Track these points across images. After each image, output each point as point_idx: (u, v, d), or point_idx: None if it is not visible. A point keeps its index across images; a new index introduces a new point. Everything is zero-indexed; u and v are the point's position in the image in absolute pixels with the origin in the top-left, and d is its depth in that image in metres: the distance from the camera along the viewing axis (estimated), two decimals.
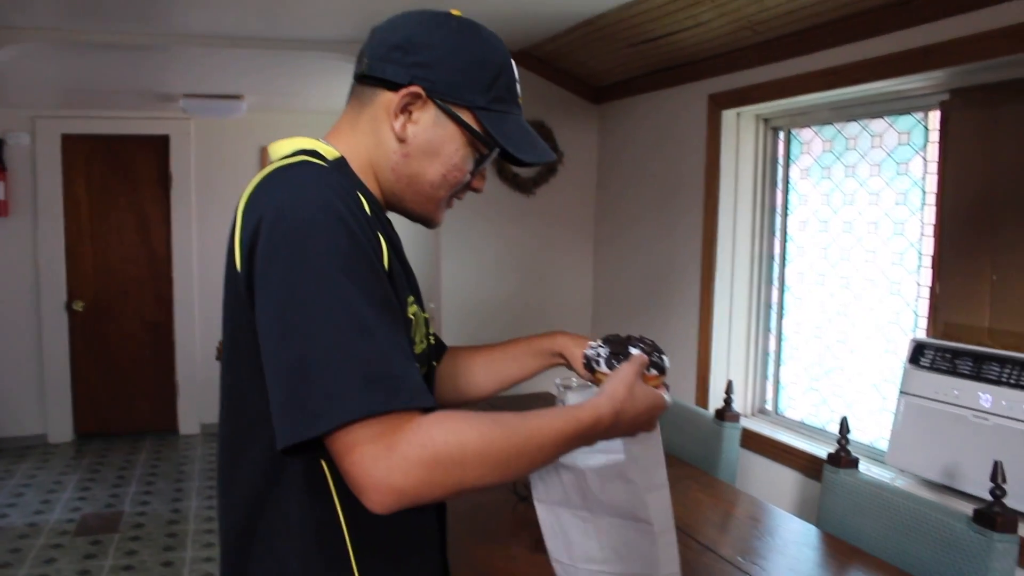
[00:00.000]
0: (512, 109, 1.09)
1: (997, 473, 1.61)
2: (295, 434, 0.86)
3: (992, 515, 1.59)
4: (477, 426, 0.89)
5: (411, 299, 1.08)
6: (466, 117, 1.05)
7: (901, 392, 2.13)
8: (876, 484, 1.87)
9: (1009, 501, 1.61)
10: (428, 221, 1.15)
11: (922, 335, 2.23)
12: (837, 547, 1.79)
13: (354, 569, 1.01)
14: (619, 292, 3.61)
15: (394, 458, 0.84)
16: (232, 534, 1.05)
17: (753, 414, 2.94)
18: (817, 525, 1.97)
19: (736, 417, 2.43)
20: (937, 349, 2.08)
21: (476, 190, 1.15)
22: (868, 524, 1.85)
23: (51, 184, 5.21)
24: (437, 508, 1.20)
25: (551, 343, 1.31)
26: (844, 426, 1.98)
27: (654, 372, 1.12)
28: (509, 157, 1.09)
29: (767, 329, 2.94)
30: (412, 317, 1.07)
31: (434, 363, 1.23)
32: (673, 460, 2.40)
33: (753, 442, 2.72)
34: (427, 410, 0.90)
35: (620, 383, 1.04)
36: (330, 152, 1.06)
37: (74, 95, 4.79)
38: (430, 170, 1.07)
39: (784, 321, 2.87)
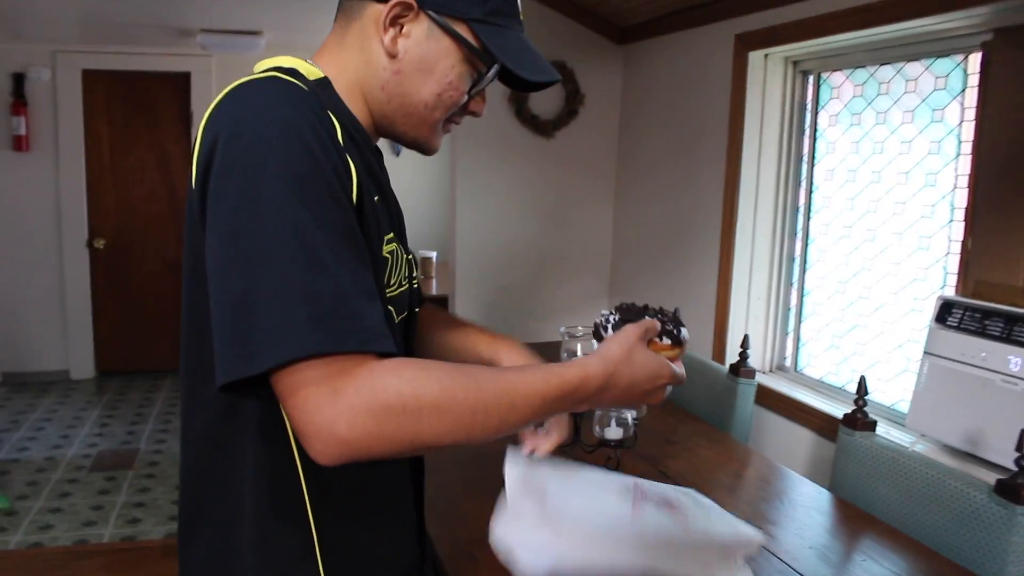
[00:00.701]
0: (512, 24, 1.00)
1: (1023, 442, 1.52)
2: (233, 371, 0.78)
3: (1016, 486, 1.49)
4: (439, 376, 0.81)
5: (390, 236, 1.00)
6: (462, 30, 0.96)
7: (925, 352, 2.03)
8: (893, 449, 1.78)
9: None
10: (423, 147, 1.06)
11: (951, 293, 2.11)
12: (849, 513, 1.71)
13: (310, 522, 0.96)
14: (639, 239, 3.50)
15: (339, 405, 0.76)
16: (190, 474, 1.00)
17: (771, 371, 2.85)
18: (830, 489, 1.89)
19: (752, 373, 2.34)
20: (966, 308, 1.96)
21: (474, 114, 1.05)
22: (883, 490, 1.77)
23: (72, 120, 5.17)
24: (412, 462, 1.14)
25: (491, 351, 1.21)
26: (862, 386, 1.88)
27: (667, 342, 1.00)
28: (511, 77, 1.00)
29: (789, 283, 2.82)
30: (388, 256, 0.99)
31: (416, 309, 1.15)
32: (684, 416, 2.33)
33: (769, 399, 2.63)
34: (386, 356, 0.81)
35: (616, 343, 0.93)
36: (312, 72, 0.97)
37: (94, 28, 4.71)
38: (423, 89, 0.98)
39: (807, 275, 2.76)
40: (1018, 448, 1.52)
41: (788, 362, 2.80)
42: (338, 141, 0.90)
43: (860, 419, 1.86)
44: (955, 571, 1.47)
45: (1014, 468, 1.52)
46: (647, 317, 1.01)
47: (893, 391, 2.33)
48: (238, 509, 0.96)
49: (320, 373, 0.77)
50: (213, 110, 0.90)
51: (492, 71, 0.98)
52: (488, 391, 0.84)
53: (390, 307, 0.99)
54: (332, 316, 0.79)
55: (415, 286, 1.13)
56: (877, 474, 1.80)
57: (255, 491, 0.95)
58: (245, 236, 0.80)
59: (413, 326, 1.14)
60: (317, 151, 0.84)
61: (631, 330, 0.96)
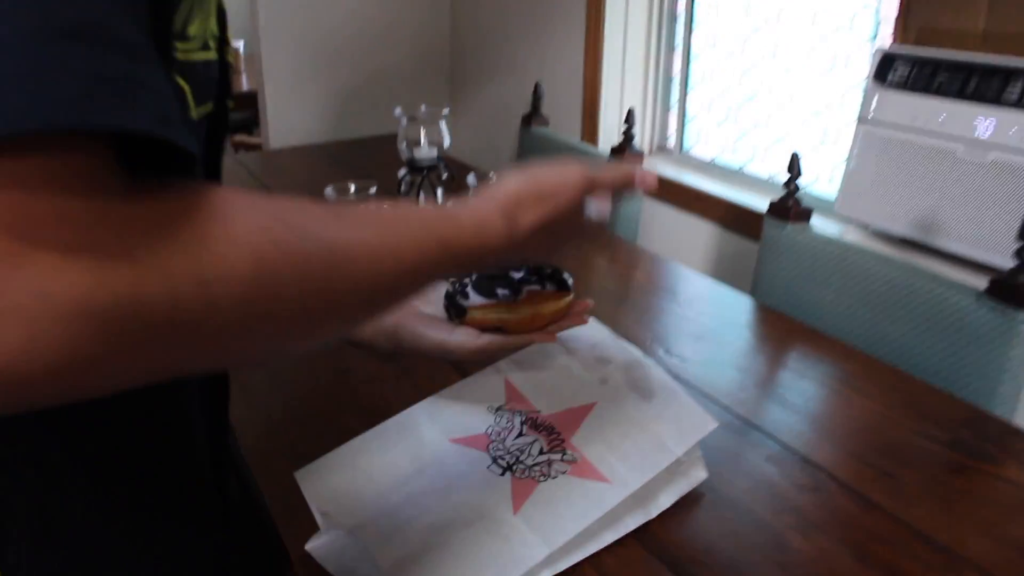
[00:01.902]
0: None
1: None
2: None
3: (1017, 287, 1.13)
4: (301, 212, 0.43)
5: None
6: None
7: (859, 120, 1.61)
8: (843, 245, 1.38)
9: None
10: None
11: (887, 44, 1.69)
12: (784, 327, 1.32)
13: None
14: (484, 17, 2.87)
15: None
16: None
17: (651, 152, 2.41)
18: (752, 295, 1.50)
19: (639, 158, 1.88)
20: (915, 61, 1.54)
21: None
22: (828, 298, 1.39)
23: None
24: (205, 400, 0.64)
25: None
26: (794, 165, 1.45)
27: (550, 288, 0.80)
28: None
29: (671, 46, 2.33)
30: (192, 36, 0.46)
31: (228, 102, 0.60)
32: None
33: (657, 189, 2.20)
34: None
35: (508, 178, 0.65)
36: None
37: None
38: None
39: (694, 35, 2.27)
40: (1021, 236, 1.14)
41: (672, 142, 2.36)
42: None
43: (794, 207, 1.45)
44: (930, 394, 1.12)
45: (999, 263, 1.16)
46: (512, 273, 0.79)
47: (809, 171, 1.94)
48: None
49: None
50: None
51: None
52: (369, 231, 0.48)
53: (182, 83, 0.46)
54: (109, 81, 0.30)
55: (231, 107, 0.61)
56: (818, 278, 1.41)
57: None
58: None
59: (221, 133, 0.60)
60: None
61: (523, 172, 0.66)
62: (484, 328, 0.79)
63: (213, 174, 0.60)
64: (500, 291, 0.77)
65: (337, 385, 1.11)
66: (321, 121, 2.92)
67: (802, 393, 1.12)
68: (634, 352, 0.92)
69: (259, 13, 2.72)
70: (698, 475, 0.88)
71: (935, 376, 1.21)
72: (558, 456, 0.83)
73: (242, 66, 4.08)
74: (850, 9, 1.79)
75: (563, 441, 0.84)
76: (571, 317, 0.83)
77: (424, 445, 0.82)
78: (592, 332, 0.94)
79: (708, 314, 1.37)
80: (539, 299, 0.79)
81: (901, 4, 1.65)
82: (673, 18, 2.30)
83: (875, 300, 1.30)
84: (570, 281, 0.81)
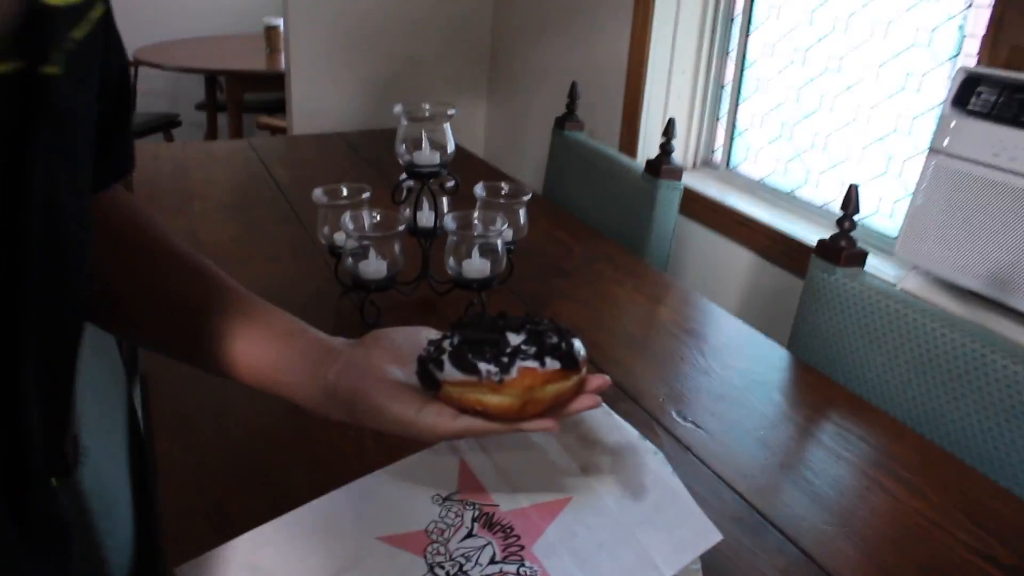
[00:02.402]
0: None
1: None
2: None
3: None
4: None
5: None
6: None
7: (931, 149, 1.40)
8: (902, 300, 1.17)
9: None
10: None
11: (971, 63, 1.47)
12: (822, 391, 1.13)
13: None
14: (527, 8, 2.69)
15: None
16: None
17: (695, 166, 2.21)
18: (789, 347, 1.30)
19: (677, 173, 1.68)
20: (1004, 86, 1.32)
21: None
22: (878, 361, 1.19)
23: None
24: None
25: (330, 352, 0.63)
26: (851, 200, 1.24)
27: (553, 366, 0.57)
28: None
29: (725, 50, 2.12)
30: None
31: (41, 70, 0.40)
32: (582, 231, 1.67)
33: (695, 207, 2.00)
34: None
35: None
36: None
37: None
38: None
39: (750, 39, 2.06)
40: None
41: (718, 156, 2.16)
42: None
43: (846, 249, 1.24)
44: (995, 499, 0.91)
45: None
46: (506, 333, 0.58)
47: (867, 201, 1.73)
48: None
49: None
50: None
51: None
52: None
53: None
54: None
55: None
56: (866, 336, 1.21)
57: None
58: None
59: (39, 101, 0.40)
60: None
61: None
62: (463, 409, 0.59)
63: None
64: (484, 366, 0.57)
65: (290, 425, 0.94)
66: (349, 109, 2.76)
67: (835, 482, 0.93)
68: (629, 433, 0.74)
69: None
70: None
71: (1004, 475, 1.00)
72: (513, 568, 0.65)
73: (281, 44, 3.95)
74: (930, 21, 1.58)
75: (522, 548, 0.66)
76: (580, 399, 0.60)
77: (345, 542, 0.65)
78: None
79: (736, 369, 1.17)
80: (536, 379, 0.57)
81: (992, 18, 1.43)
82: (729, 20, 2.09)
83: (936, 370, 1.10)
84: (582, 354, 0.59)
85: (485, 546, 0.66)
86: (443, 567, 0.65)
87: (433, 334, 0.62)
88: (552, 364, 0.57)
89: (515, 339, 0.58)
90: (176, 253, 0.63)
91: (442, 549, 0.66)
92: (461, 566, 0.65)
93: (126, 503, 0.75)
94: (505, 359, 0.57)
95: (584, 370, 0.60)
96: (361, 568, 0.63)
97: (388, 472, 0.70)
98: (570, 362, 0.58)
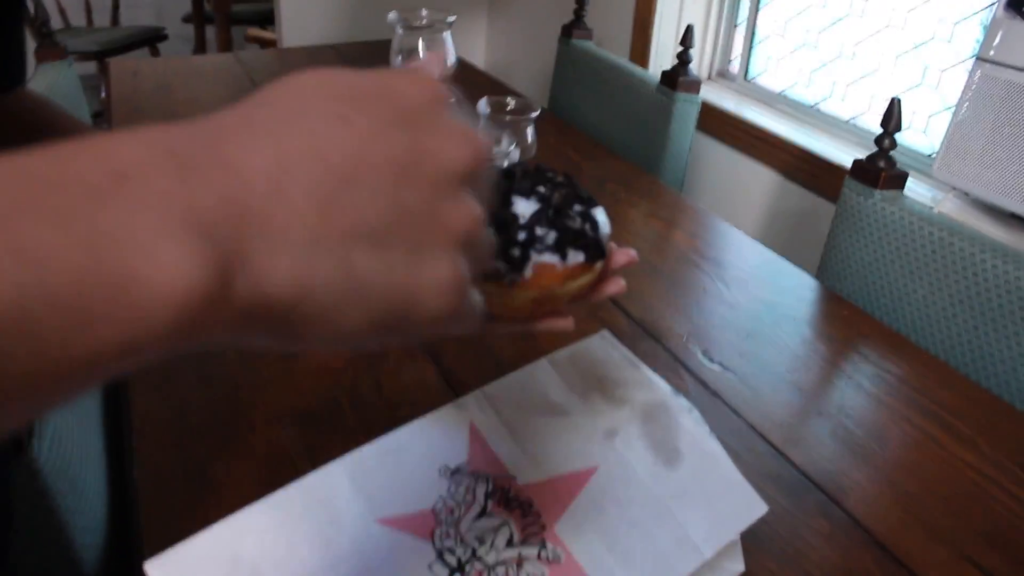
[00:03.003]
0: None
1: None
2: None
3: None
4: None
5: None
6: None
7: (978, 58, 1.28)
8: (948, 226, 1.07)
9: None
10: None
11: None
12: (859, 326, 1.04)
13: None
14: None
15: None
16: None
17: (710, 78, 2.07)
18: (819, 277, 1.21)
19: (695, 86, 1.56)
20: None
21: None
22: (920, 294, 1.09)
23: None
24: None
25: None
26: (892, 115, 1.13)
27: (576, 260, 0.44)
28: None
29: None
30: None
31: None
32: (591, 147, 1.56)
33: (712, 122, 1.88)
34: None
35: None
36: None
37: None
38: None
39: None
40: None
41: (736, 67, 2.02)
42: None
43: (885, 170, 1.14)
44: None
45: None
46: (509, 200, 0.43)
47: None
48: None
49: None
50: None
51: None
52: None
53: None
54: None
55: None
56: (906, 266, 1.11)
57: None
58: None
59: None
60: None
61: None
62: None
63: None
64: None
65: (281, 375, 0.86)
66: (341, 19, 2.60)
67: (877, 431, 0.85)
68: (660, 388, 0.66)
69: None
70: (732, 568, 0.62)
71: None
72: (533, 551, 0.57)
73: None
74: None
75: (543, 529, 0.58)
76: (604, 286, 0.48)
77: (341, 526, 0.57)
78: (603, 353, 0.68)
79: (763, 301, 1.08)
80: (556, 278, 0.44)
81: None
82: None
83: (984, 305, 1.00)
84: (607, 233, 0.46)
85: (501, 526, 0.58)
86: (453, 552, 0.57)
87: None
88: (575, 257, 0.44)
89: (524, 207, 0.44)
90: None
91: (452, 531, 0.58)
92: (474, 551, 0.57)
93: (96, 478, 0.67)
94: (516, 252, 0.42)
95: (598, 265, 0.46)
96: (360, 557, 0.56)
97: (389, 439, 0.61)
98: (596, 252, 0.45)
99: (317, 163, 0.24)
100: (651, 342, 0.97)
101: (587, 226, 0.44)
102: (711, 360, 0.95)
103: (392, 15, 1.12)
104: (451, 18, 1.12)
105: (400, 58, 1.13)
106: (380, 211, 0.25)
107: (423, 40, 1.12)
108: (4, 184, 0.18)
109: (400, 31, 1.12)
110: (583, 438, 0.62)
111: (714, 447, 0.62)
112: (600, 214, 0.46)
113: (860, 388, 0.93)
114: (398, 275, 0.26)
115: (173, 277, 0.20)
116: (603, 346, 0.66)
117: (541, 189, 0.44)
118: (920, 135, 1.57)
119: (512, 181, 0.44)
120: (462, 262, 0.28)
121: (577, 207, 0.44)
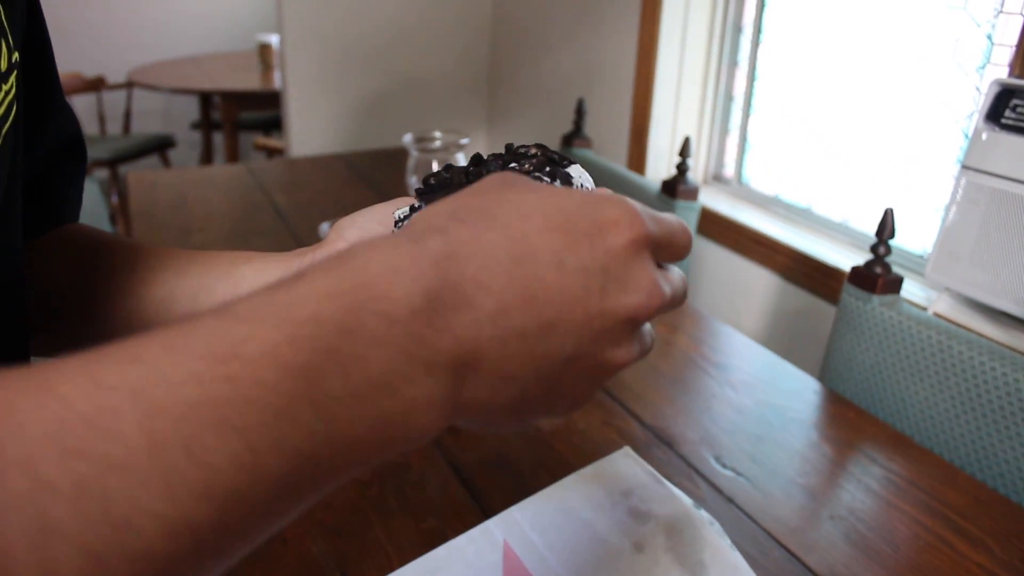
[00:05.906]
0: None
1: None
2: None
3: None
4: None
5: None
6: None
7: (964, 166, 1.35)
8: (945, 330, 1.11)
9: None
10: None
11: (1003, 74, 1.41)
12: (864, 428, 1.07)
13: None
14: (527, 24, 2.63)
15: None
16: None
17: (705, 182, 2.15)
18: (821, 379, 1.24)
19: (693, 193, 1.63)
20: None
21: None
22: (921, 395, 1.13)
23: None
24: None
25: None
26: (887, 225, 1.19)
27: None
28: None
29: (734, 60, 2.07)
30: None
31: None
32: None
33: (709, 225, 1.95)
34: None
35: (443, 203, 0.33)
36: None
37: None
38: None
39: (760, 48, 2.00)
40: None
41: (730, 171, 2.10)
42: None
43: (882, 276, 1.19)
44: None
45: None
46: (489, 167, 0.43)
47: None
48: None
49: None
50: None
51: None
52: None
53: None
54: None
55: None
56: (907, 369, 1.15)
57: None
58: None
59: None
60: None
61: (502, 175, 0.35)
62: None
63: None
64: None
65: None
66: (347, 128, 2.70)
67: (889, 534, 0.87)
68: (682, 503, 0.68)
69: (283, 7, 2.51)
70: None
71: None
72: None
73: (275, 60, 3.89)
74: (954, 30, 1.52)
75: None
76: None
77: None
78: (626, 469, 0.71)
79: (770, 405, 1.11)
80: None
81: None
82: (738, 29, 2.04)
83: (984, 406, 1.04)
84: (579, 180, 0.43)
85: None
86: None
87: (403, 208, 0.47)
88: None
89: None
90: (152, 248, 0.58)
91: None
92: None
93: None
94: None
95: None
96: None
97: (426, 561, 0.64)
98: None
99: (533, 314, 0.30)
100: (664, 448, 1.00)
101: (557, 183, 0.42)
102: (723, 466, 0.97)
103: (407, 137, 1.18)
104: (464, 140, 1.19)
105: (415, 179, 1.19)
106: (565, 355, 0.31)
107: (436, 163, 1.18)
108: (308, 332, 0.25)
109: (415, 152, 1.18)
110: (613, 555, 0.64)
111: (737, 559, 0.65)
112: (574, 170, 0.44)
113: (869, 490, 0.95)
114: (554, 398, 0.32)
115: (428, 423, 0.28)
116: (627, 463, 0.69)
117: (514, 165, 0.43)
118: (908, 237, 1.63)
119: (483, 165, 0.44)
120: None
121: (547, 169, 0.43)
